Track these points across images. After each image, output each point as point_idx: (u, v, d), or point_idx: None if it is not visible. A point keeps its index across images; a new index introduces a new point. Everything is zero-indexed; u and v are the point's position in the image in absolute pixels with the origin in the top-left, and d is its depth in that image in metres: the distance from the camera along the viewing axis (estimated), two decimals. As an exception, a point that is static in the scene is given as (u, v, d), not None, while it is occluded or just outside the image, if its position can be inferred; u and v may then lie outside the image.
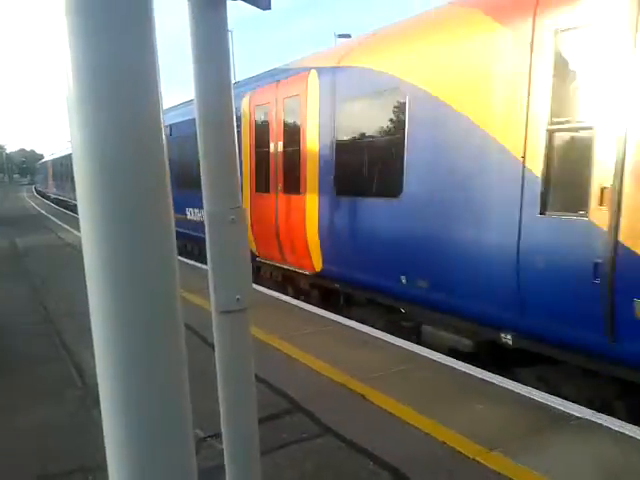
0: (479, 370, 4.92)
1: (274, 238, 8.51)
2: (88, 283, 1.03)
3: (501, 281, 4.90)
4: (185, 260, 11.32)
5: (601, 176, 4.13)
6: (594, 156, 4.18)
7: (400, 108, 5.93)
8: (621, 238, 4.06)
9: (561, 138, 4.52)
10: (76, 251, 13.66)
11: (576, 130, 4.42)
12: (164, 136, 1.03)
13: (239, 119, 9.10)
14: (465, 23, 5.30)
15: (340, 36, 37.22)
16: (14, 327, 7.08)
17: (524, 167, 4.66)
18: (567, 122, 4.42)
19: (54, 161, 43.51)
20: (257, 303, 7.35)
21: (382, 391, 4.52)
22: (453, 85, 5.32)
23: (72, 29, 0.95)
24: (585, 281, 4.26)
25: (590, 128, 4.22)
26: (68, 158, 31.26)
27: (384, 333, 6.13)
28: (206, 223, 1.28)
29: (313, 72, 7.36)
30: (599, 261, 4.17)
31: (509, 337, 5.05)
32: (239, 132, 9.08)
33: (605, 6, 4.07)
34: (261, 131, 8.70)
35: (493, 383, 4.65)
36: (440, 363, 5.12)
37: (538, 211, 4.57)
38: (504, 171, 4.84)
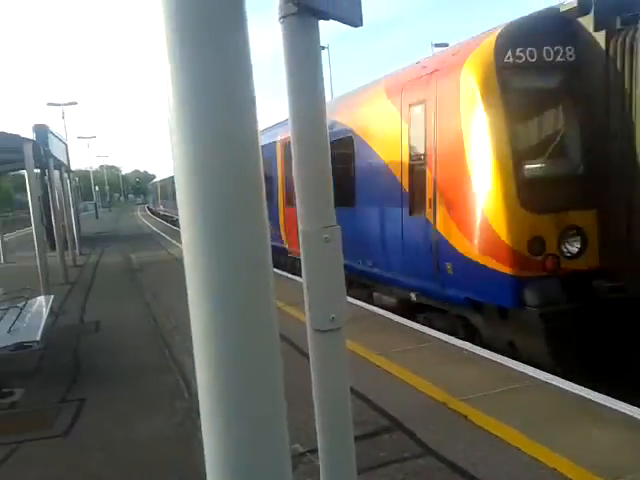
0: (592, 392, 4.61)
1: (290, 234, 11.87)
2: (189, 291, 1.07)
3: (399, 258, 7.60)
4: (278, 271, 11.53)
5: (428, 191, 6.85)
6: (426, 179, 6.85)
7: (351, 147, 8.81)
8: (437, 227, 6.72)
9: (415, 168, 7.20)
10: (184, 266, 14.33)
11: (420, 164, 7.05)
12: (260, 152, 1.05)
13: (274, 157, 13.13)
14: (377, 96, 8.24)
15: (437, 45, 36.87)
16: (130, 340, 7.52)
17: (402, 186, 7.41)
18: (417, 159, 7.13)
19: (161, 181, 48.78)
20: (354, 317, 7.34)
21: (485, 411, 4.35)
22: (372, 134, 8.32)
23: (172, 51, 1.00)
24: (428, 253, 6.87)
25: (424, 163, 6.94)
26: (172, 179, 33.90)
27: (486, 350, 5.91)
28: (301, 242, 1.29)
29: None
30: (431, 240, 6.79)
31: (414, 295, 7.55)
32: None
33: (425, 94, 6.91)
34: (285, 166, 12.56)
35: (608, 406, 4.34)
36: (547, 383, 4.86)
37: (408, 213, 7.31)
38: (395, 188, 7.55)
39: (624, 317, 5.54)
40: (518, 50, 5.74)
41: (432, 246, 6.68)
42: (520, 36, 5.81)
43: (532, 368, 5.30)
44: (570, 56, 5.90)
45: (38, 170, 16.11)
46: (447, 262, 6.51)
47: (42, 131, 13.88)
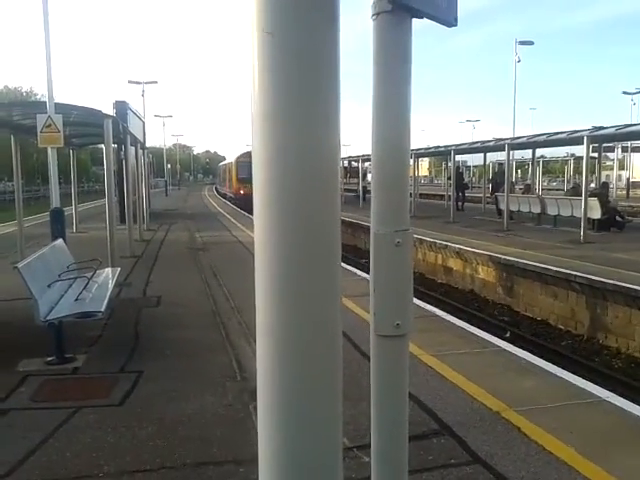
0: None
1: None
2: (257, 280, 1.07)
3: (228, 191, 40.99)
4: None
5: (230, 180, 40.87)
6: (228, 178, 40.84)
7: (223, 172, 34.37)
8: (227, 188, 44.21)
9: (226, 177, 46.92)
10: (246, 249, 14.56)
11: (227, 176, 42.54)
12: (339, 149, 1.04)
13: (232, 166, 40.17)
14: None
15: (521, 43, 35.88)
16: (189, 317, 7.70)
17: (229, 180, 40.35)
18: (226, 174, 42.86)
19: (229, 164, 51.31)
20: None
21: (539, 425, 4.20)
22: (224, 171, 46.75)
23: (263, 50, 1.00)
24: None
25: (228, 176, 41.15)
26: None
27: (545, 362, 5.73)
28: (371, 244, 1.27)
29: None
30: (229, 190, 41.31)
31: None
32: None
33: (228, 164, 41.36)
34: None
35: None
36: (607, 401, 4.65)
37: (228, 187, 40.28)
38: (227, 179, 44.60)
39: None
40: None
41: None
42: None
43: (592, 384, 5.10)
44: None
45: (115, 145, 16.66)
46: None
47: (122, 107, 14.37)
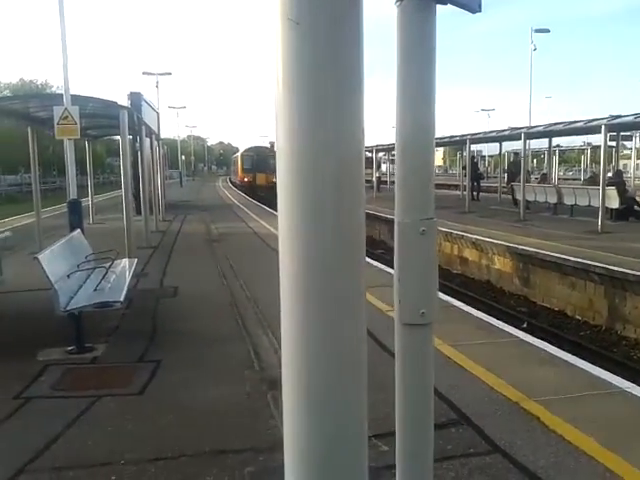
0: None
1: None
2: (281, 275, 1.07)
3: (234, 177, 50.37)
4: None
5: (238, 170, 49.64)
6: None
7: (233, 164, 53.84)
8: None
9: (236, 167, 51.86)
10: (261, 240, 14.60)
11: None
12: (363, 142, 1.03)
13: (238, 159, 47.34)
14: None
15: (537, 31, 35.44)
16: (205, 307, 7.75)
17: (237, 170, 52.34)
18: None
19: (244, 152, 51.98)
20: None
21: (559, 415, 4.18)
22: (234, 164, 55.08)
23: (287, 40, 0.99)
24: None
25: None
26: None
27: (565, 352, 5.69)
28: (396, 233, 1.26)
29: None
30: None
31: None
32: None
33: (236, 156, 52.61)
34: None
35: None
36: (628, 392, 4.61)
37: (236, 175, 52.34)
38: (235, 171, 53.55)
39: None
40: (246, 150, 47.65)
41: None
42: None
43: (612, 375, 5.06)
44: None
45: (130, 137, 16.74)
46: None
47: (136, 99, 14.43)
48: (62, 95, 10.44)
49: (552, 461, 3.59)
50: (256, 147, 48.16)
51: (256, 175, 42.32)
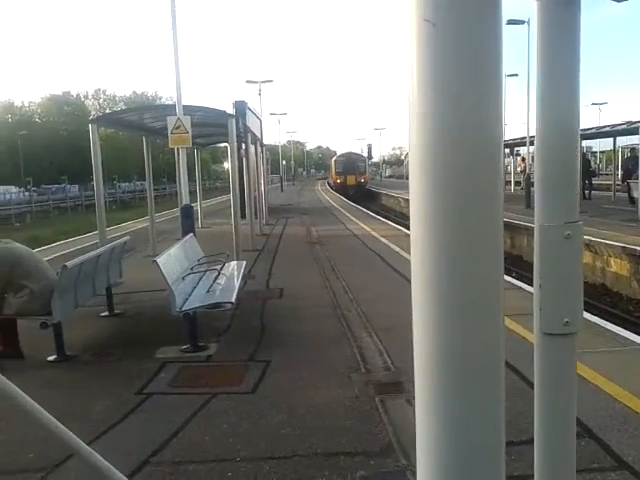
0: None
1: None
2: (413, 280, 1.04)
3: None
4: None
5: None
6: None
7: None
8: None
9: None
10: (361, 242, 14.62)
11: None
12: (502, 150, 0.99)
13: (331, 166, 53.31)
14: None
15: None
16: (310, 309, 7.86)
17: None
18: None
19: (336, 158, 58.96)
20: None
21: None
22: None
23: (425, 41, 0.97)
24: None
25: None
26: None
27: (697, 363, 5.25)
28: (536, 237, 1.20)
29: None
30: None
31: None
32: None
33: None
34: None
35: None
36: None
37: None
38: None
39: None
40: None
41: None
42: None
43: None
44: None
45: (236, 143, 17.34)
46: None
47: (241, 107, 14.91)
48: (174, 106, 10.99)
49: (688, 481, 3.32)
50: (347, 153, 56.70)
51: (347, 177, 50.00)
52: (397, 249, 12.86)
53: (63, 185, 49.47)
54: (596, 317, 6.93)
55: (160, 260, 5.93)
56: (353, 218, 21.77)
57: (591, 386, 4.67)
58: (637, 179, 18.00)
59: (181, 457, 3.86)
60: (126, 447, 3.99)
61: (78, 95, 78.60)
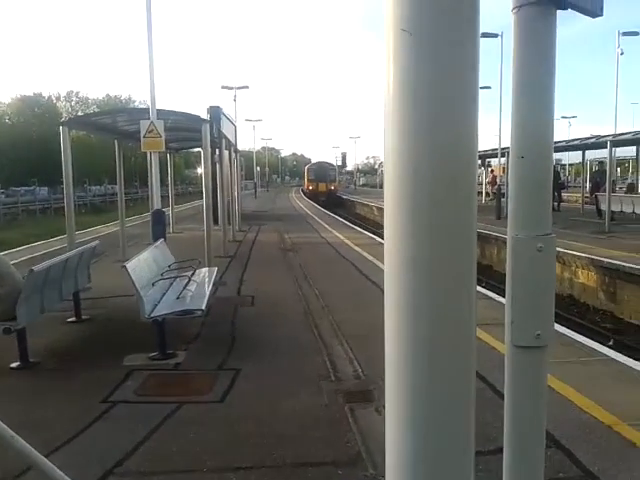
0: None
1: None
2: (386, 287, 1.03)
3: None
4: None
5: None
6: None
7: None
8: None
9: None
10: (334, 250, 14.62)
11: None
12: (476, 158, 0.99)
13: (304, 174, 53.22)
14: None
15: (625, 34, 33.89)
16: (281, 317, 7.81)
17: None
18: None
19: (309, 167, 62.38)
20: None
21: (659, 442, 3.91)
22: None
23: (400, 50, 0.96)
24: None
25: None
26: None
27: (661, 374, 5.34)
28: (509, 249, 1.20)
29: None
30: None
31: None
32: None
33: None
34: None
35: None
36: None
37: None
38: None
39: None
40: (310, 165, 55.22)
41: None
42: None
43: None
44: None
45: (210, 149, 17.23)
46: None
47: (216, 112, 14.77)
48: (148, 109, 10.87)
49: (652, 492, 3.36)
50: (319, 162, 61.54)
51: (318, 184, 53.55)
52: (370, 257, 12.89)
53: (32, 187, 48.49)
54: (564, 327, 7.02)
55: (129, 265, 5.83)
56: (327, 226, 21.78)
57: (558, 396, 4.71)
58: (605, 192, 18.39)
59: (146, 467, 3.78)
60: (89, 457, 3.89)
61: (50, 97, 77.27)
